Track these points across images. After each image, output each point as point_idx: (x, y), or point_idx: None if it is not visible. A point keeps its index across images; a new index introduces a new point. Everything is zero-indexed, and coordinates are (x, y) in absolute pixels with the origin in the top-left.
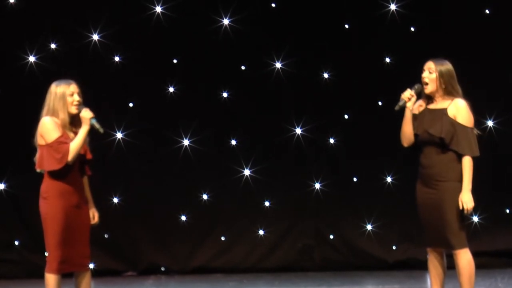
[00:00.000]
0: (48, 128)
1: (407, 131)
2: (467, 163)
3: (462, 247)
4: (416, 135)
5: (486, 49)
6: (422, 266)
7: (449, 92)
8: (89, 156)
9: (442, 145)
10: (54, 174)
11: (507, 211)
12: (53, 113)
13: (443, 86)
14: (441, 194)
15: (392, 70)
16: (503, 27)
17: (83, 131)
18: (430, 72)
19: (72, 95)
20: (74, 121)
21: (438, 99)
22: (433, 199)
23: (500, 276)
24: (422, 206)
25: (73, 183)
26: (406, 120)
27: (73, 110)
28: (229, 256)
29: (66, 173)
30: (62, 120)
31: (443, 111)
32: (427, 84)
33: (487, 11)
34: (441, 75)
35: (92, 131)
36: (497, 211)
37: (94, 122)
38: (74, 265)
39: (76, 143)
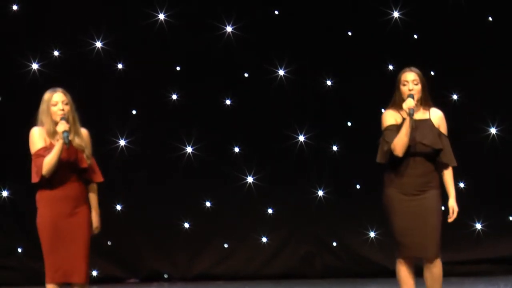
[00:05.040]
0: (31, 139)
1: (408, 141)
2: (451, 173)
3: (439, 255)
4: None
5: (488, 56)
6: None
7: (425, 101)
8: (84, 164)
9: (430, 156)
10: (41, 184)
11: (510, 218)
12: (40, 123)
13: (423, 96)
14: (426, 202)
15: (395, 77)
16: (505, 34)
17: (57, 145)
18: (416, 84)
19: (56, 104)
20: None
21: (417, 109)
22: (417, 207)
23: (503, 283)
24: (404, 215)
25: (64, 192)
26: (411, 129)
27: (58, 119)
28: (231, 263)
29: (54, 182)
30: (47, 130)
31: (429, 122)
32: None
33: (490, 18)
34: (423, 85)
35: (94, 142)
36: (500, 218)
37: (65, 136)
38: (68, 275)
39: (50, 157)
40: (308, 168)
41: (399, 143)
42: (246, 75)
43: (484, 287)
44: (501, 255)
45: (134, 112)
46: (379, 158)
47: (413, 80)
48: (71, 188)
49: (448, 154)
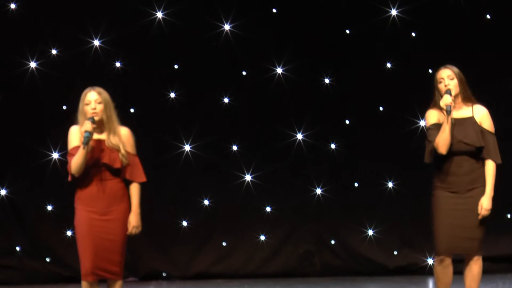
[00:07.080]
0: (68, 138)
1: (449, 137)
2: (493, 169)
3: (480, 253)
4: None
5: (487, 54)
6: (422, 272)
7: (467, 98)
8: (117, 164)
9: (474, 154)
10: (77, 183)
11: (508, 216)
12: (78, 121)
13: (463, 92)
14: (472, 201)
15: (393, 76)
16: (504, 32)
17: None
18: (451, 79)
19: (89, 103)
20: (97, 129)
21: (459, 106)
22: (466, 205)
23: (502, 281)
24: (450, 212)
25: (98, 191)
26: (451, 126)
27: None
28: (230, 262)
29: (88, 181)
30: (81, 129)
31: (471, 120)
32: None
33: (488, 16)
34: (461, 81)
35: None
36: (499, 217)
37: (86, 136)
38: (103, 272)
39: (76, 157)
40: (306, 166)
41: (441, 141)
42: (244, 73)
43: (483, 286)
44: (500, 254)
45: (132, 110)
46: (425, 158)
47: (448, 76)
48: (105, 187)
49: (490, 151)
